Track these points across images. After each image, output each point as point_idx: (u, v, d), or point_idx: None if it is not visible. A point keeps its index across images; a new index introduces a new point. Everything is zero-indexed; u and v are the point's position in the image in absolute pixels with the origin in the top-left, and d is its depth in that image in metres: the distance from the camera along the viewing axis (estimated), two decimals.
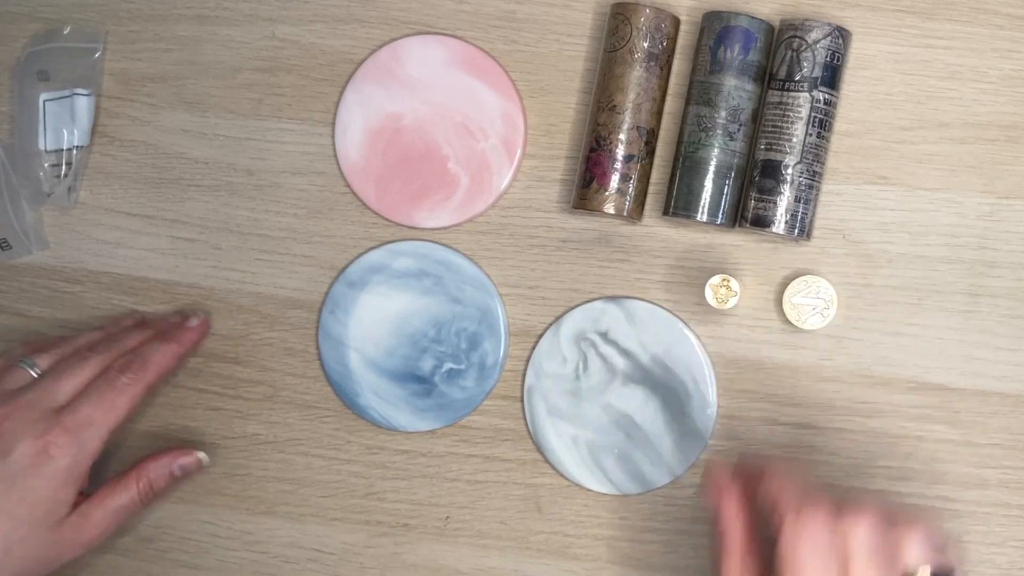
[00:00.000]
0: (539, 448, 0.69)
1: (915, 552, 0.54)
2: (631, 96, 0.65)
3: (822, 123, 0.64)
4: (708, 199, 0.65)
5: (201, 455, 0.69)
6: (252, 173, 0.72)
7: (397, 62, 0.70)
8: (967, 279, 0.66)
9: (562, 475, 0.69)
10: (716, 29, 0.65)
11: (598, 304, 0.69)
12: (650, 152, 0.67)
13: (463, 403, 0.70)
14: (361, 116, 0.70)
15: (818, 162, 0.64)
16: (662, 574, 0.69)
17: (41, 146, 0.72)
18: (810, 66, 0.64)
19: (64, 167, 0.72)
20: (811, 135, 0.64)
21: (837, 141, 0.67)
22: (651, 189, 0.68)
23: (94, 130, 0.73)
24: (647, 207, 0.68)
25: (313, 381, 0.71)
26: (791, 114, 0.64)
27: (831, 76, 0.64)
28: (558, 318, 0.69)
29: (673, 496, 0.69)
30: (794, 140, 0.64)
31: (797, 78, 0.64)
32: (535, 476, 0.70)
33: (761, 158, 0.64)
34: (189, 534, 0.72)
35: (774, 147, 0.64)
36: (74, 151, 0.72)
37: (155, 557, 0.72)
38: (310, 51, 0.71)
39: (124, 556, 0.72)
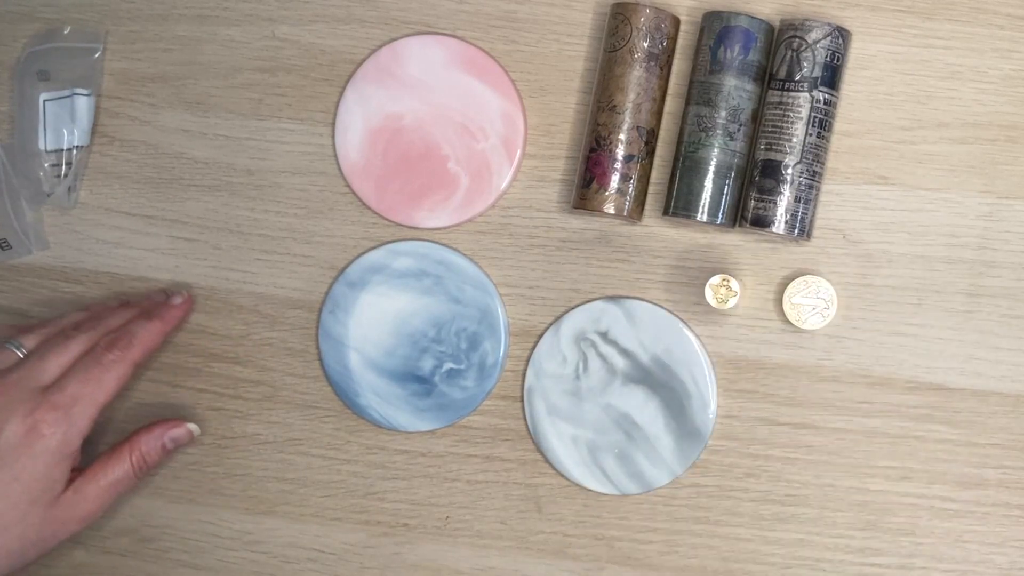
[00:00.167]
0: (539, 448, 0.69)
1: None
2: (631, 96, 0.65)
3: (822, 123, 0.64)
4: (708, 199, 0.65)
5: (192, 426, 0.70)
6: (252, 173, 0.72)
7: (397, 62, 0.70)
8: (967, 279, 0.66)
9: (562, 475, 0.69)
10: (716, 29, 0.65)
11: (598, 304, 0.69)
12: (650, 152, 0.67)
13: (463, 403, 0.70)
14: (361, 116, 0.70)
15: (818, 162, 0.64)
16: (662, 574, 0.69)
17: (41, 146, 0.72)
18: (810, 66, 0.64)
19: (64, 167, 0.72)
20: (811, 135, 0.64)
21: (837, 141, 0.67)
22: (651, 189, 0.68)
23: (94, 130, 0.73)
24: (647, 207, 0.68)
25: (313, 381, 0.71)
26: (791, 114, 0.64)
27: (831, 76, 0.64)
28: (558, 318, 0.69)
29: (673, 496, 0.69)
30: (794, 140, 0.64)
31: (797, 78, 0.64)
32: (535, 476, 0.70)
33: (761, 158, 0.64)
34: (189, 534, 0.72)
35: (774, 147, 0.64)
36: (74, 151, 0.72)
37: (155, 557, 0.72)
38: (310, 51, 0.71)
39: (124, 556, 0.72)
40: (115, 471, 0.66)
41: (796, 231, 0.64)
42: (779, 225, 0.64)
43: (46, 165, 0.72)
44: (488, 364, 0.70)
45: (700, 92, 0.65)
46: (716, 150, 0.64)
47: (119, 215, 0.73)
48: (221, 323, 0.72)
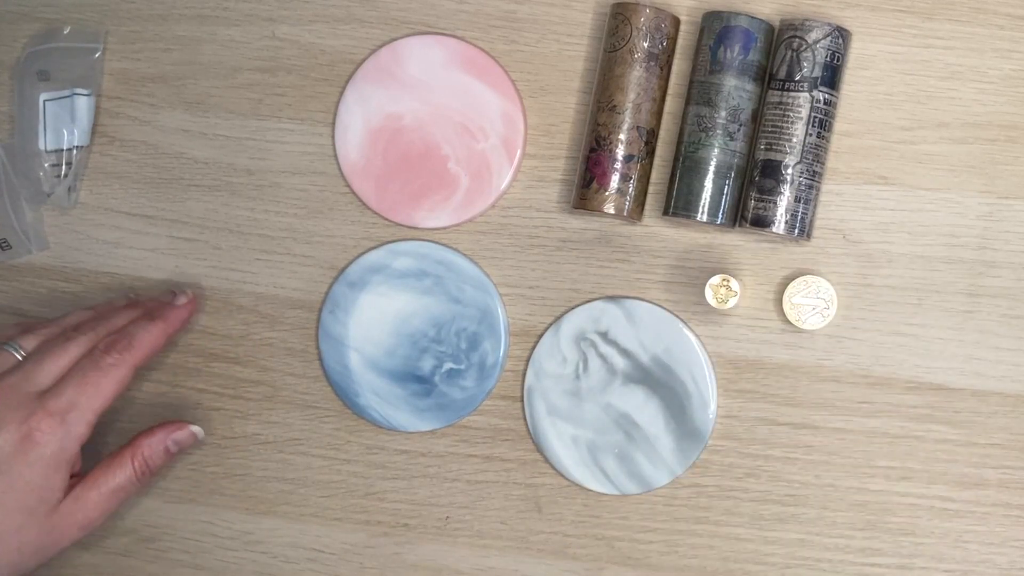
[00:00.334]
0: (539, 448, 0.69)
1: None
2: (631, 96, 0.65)
3: (822, 123, 0.64)
4: (708, 199, 0.65)
5: (195, 428, 0.68)
6: (252, 173, 0.72)
7: (397, 62, 0.70)
8: (967, 279, 0.66)
9: (562, 475, 0.69)
10: (716, 29, 0.65)
11: (598, 304, 0.69)
12: (650, 152, 0.67)
13: (463, 403, 0.70)
14: (361, 116, 0.70)
15: (818, 162, 0.64)
16: (662, 574, 0.69)
17: (41, 146, 0.72)
18: (810, 66, 0.64)
19: (64, 167, 0.72)
20: (811, 135, 0.64)
21: (837, 141, 0.67)
22: (651, 189, 0.68)
23: (94, 130, 0.73)
24: (647, 207, 0.68)
25: (313, 381, 0.71)
26: (791, 114, 0.64)
27: (831, 76, 0.64)
28: (558, 318, 0.69)
29: (673, 496, 0.69)
30: (794, 140, 0.64)
31: (797, 78, 0.64)
32: (535, 476, 0.70)
33: (761, 158, 0.64)
34: (189, 534, 0.72)
35: (774, 147, 0.64)
36: (74, 151, 0.72)
37: (155, 557, 0.72)
38: (310, 51, 0.71)
39: (124, 556, 0.72)
40: (117, 477, 0.65)
41: (796, 231, 0.64)
42: (779, 225, 0.64)
43: (46, 165, 0.72)
44: (488, 364, 0.70)
45: (700, 92, 0.65)
46: (716, 150, 0.64)
47: (119, 215, 0.73)
48: (221, 323, 0.72)
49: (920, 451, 0.67)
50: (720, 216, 0.65)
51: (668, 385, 0.68)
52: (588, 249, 0.69)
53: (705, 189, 0.65)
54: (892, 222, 0.67)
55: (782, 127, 0.64)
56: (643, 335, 0.68)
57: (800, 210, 0.64)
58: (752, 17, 0.64)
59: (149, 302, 0.69)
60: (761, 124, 0.65)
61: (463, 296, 0.70)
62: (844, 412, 0.67)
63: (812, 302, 0.66)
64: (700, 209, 0.65)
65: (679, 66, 0.68)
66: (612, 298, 0.69)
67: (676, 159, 0.66)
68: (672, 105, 0.68)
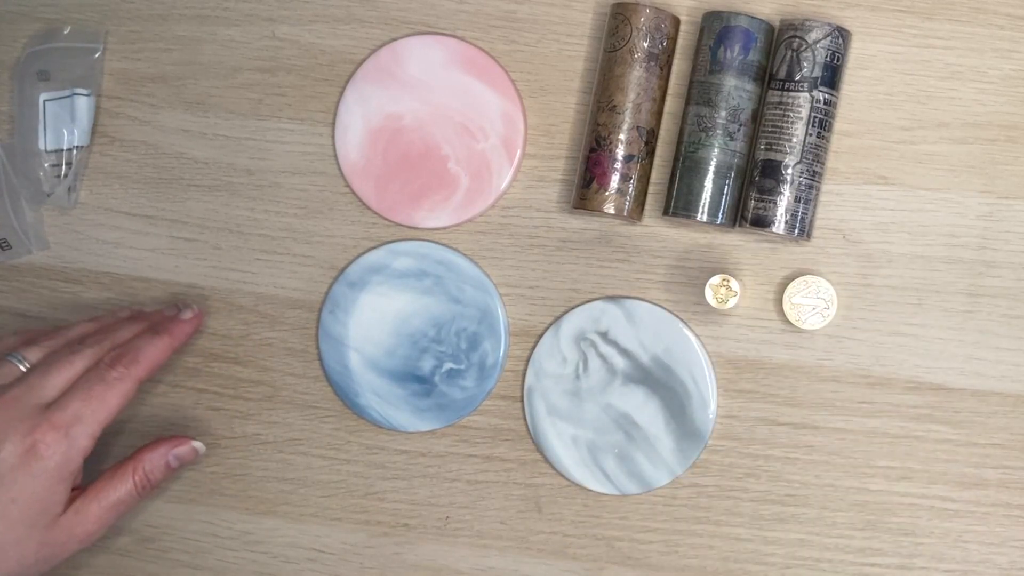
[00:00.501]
0: (539, 448, 0.69)
1: None
2: (631, 96, 0.65)
3: (822, 123, 0.64)
4: (708, 199, 0.65)
5: (196, 443, 0.68)
6: (252, 173, 0.72)
7: (397, 62, 0.70)
8: (967, 279, 0.66)
9: (562, 475, 0.69)
10: (716, 29, 0.65)
11: (598, 304, 0.69)
12: (650, 152, 0.67)
13: (463, 403, 0.70)
14: (361, 116, 0.70)
15: (818, 162, 0.64)
16: (662, 574, 0.69)
17: (41, 146, 0.72)
18: (810, 66, 0.64)
19: (64, 167, 0.72)
20: (811, 135, 0.64)
21: (837, 141, 0.67)
22: (651, 189, 0.68)
23: (94, 130, 0.73)
24: (647, 207, 0.68)
25: (313, 381, 0.71)
26: (791, 114, 0.64)
27: (831, 76, 0.64)
28: (558, 318, 0.69)
29: (673, 496, 0.69)
30: (794, 140, 0.64)
31: (797, 78, 0.64)
32: (535, 476, 0.70)
33: (761, 158, 0.64)
34: (189, 534, 0.72)
35: (774, 147, 0.64)
36: (74, 151, 0.72)
37: (155, 557, 0.72)
38: (310, 51, 0.71)
39: (124, 556, 0.72)
40: (118, 490, 0.64)
41: (796, 231, 0.64)
42: (779, 225, 0.64)
43: (46, 165, 0.72)
44: (488, 364, 0.70)
45: (700, 92, 0.65)
46: (716, 150, 0.64)
47: (119, 215, 0.73)
48: (221, 323, 0.72)
49: (920, 451, 0.67)
50: (720, 216, 0.65)
51: (668, 385, 0.68)
52: (588, 249, 0.69)
53: (705, 189, 0.65)
54: (892, 222, 0.67)
55: (782, 127, 0.64)
56: (643, 335, 0.68)
57: (800, 210, 0.64)
58: (752, 17, 0.64)
59: (154, 315, 0.69)
60: (761, 124, 0.65)
61: (463, 296, 0.70)
62: (844, 412, 0.67)
63: (812, 302, 0.66)
64: (700, 209, 0.65)
65: (679, 66, 0.68)
66: (612, 298, 0.69)
67: (676, 159, 0.66)
68: (672, 105, 0.68)
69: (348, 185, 0.71)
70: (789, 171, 0.64)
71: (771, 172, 0.64)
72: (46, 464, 0.61)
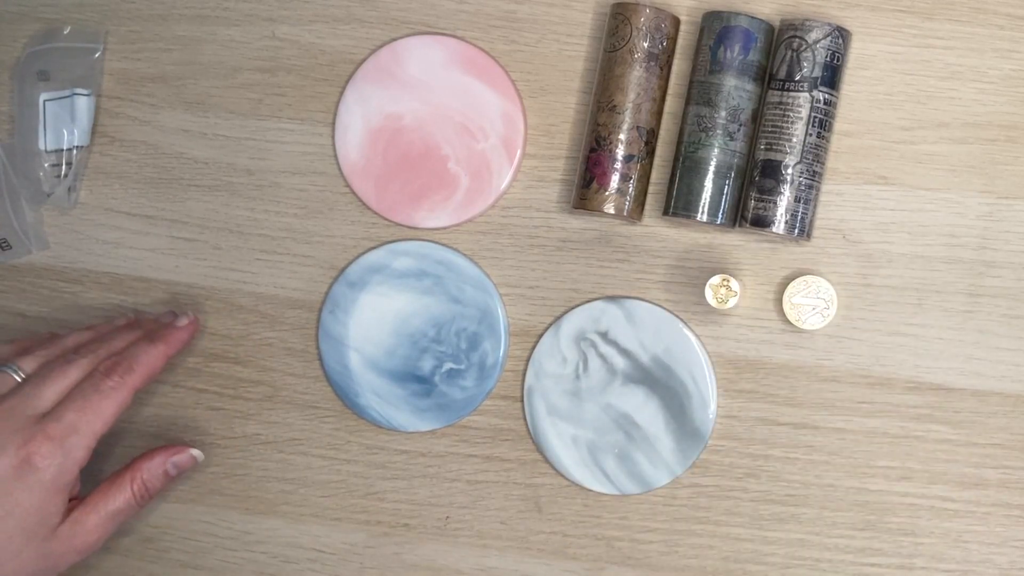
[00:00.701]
0: (539, 448, 0.69)
1: None
2: (631, 96, 0.65)
3: (822, 123, 0.64)
4: (708, 199, 0.65)
5: (195, 452, 0.68)
6: (252, 173, 0.72)
7: (397, 62, 0.70)
8: (967, 279, 0.66)
9: (562, 475, 0.69)
10: (716, 29, 0.65)
11: (598, 304, 0.69)
12: (650, 152, 0.67)
13: (463, 403, 0.70)
14: (361, 116, 0.70)
15: (818, 162, 0.64)
16: (662, 574, 0.69)
17: (41, 146, 0.72)
18: (810, 66, 0.64)
19: (64, 167, 0.72)
20: (811, 135, 0.64)
21: (837, 141, 0.67)
22: (651, 189, 0.68)
23: (94, 130, 0.73)
24: (647, 207, 0.68)
25: (313, 381, 0.71)
26: (791, 114, 0.64)
27: (831, 76, 0.64)
28: (558, 318, 0.69)
29: (673, 496, 0.69)
30: (794, 140, 0.64)
31: (797, 78, 0.64)
32: (535, 476, 0.70)
33: (761, 158, 0.64)
34: (189, 534, 0.72)
35: (774, 147, 0.64)
36: (74, 151, 0.72)
37: (155, 557, 0.72)
38: (310, 51, 0.71)
39: (124, 556, 0.72)
40: (116, 500, 0.64)
41: (796, 231, 0.64)
42: (779, 225, 0.64)
43: (46, 165, 0.72)
44: (488, 364, 0.70)
45: (700, 92, 0.65)
46: (716, 150, 0.64)
47: (119, 215, 0.73)
48: (221, 323, 0.72)
49: (920, 451, 0.67)
50: (720, 216, 0.65)
51: (668, 385, 0.68)
52: (588, 249, 0.69)
53: (705, 189, 0.65)
54: (892, 222, 0.67)
55: (782, 127, 0.64)
56: (643, 335, 0.68)
57: (800, 210, 0.64)
58: (752, 17, 0.64)
59: (149, 323, 0.69)
60: (761, 124, 0.65)
61: (463, 296, 0.70)
62: (844, 412, 0.67)
63: (812, 302, 0.66)
64: (700, 209, 0.65)
65: (679, 66, 0.68)
66: (612, 298, 0.69)
67: (676, 159, 0.66)
68: (672, 105, 0.68)
69: (348, 185, 0.71)
70: (789, 171, 0.64)
71: (771, 172, 0.64)
72: (42, 476, 0.60)
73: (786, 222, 0.64)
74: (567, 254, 0.69)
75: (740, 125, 0.64)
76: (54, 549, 0.62)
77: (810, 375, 0.67)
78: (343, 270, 0.71)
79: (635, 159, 0.66)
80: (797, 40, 0.64)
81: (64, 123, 0.72)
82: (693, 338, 0.68)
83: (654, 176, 0.68)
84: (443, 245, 0.70)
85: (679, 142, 0.66)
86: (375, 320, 0.70)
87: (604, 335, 0.68)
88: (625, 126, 0.65)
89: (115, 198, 0.73)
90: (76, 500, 0.64)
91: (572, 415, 0.69)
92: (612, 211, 0.65)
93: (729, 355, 0.68)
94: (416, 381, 0.70)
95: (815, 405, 0.67)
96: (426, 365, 0.70)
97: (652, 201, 0.68)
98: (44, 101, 0.72)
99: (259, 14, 0.72)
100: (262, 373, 0.72)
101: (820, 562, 0.67)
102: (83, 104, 0.72)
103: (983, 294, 0.66)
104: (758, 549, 0.68)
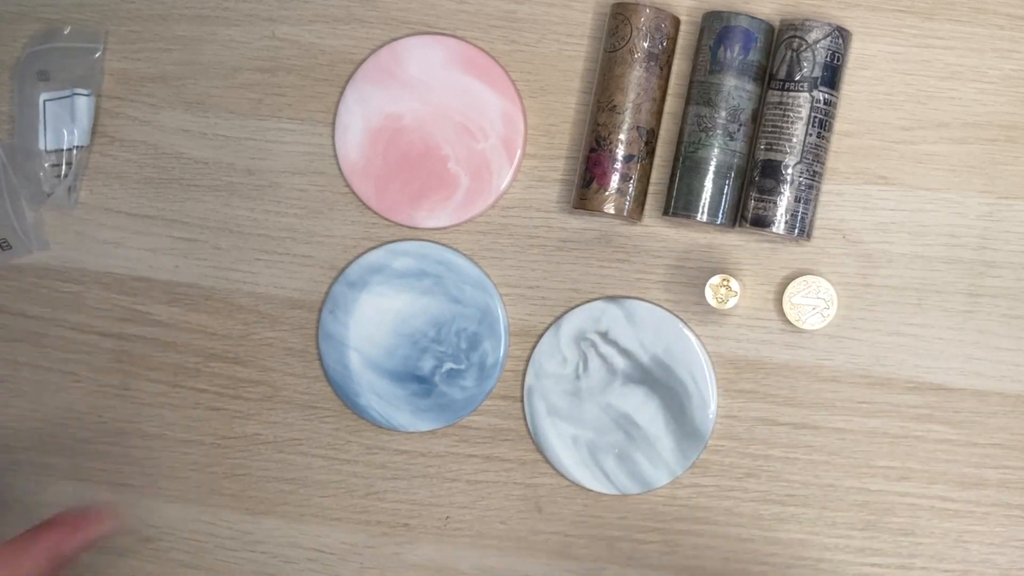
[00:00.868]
0: (539, 448, 0.69)
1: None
2: (631, 96, 0.65)
3: (822, 123, 0.64)
4: (708, 199, 0.65)
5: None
6: (252, 173, 0.72)
7: (397, 62, 0.70)
8: (967, 279, 0.66)
9: (562, 475, 0.69)
10: (716, 29, 0.65)
11: (598, 304, 0.69)
12: (650, 152, 0.67)
13: (463, 403, 0.70)
14: (361, 116, 0.70)
15: (818, 162, 0.64)
16: (662, 574, 0.69)
17: (41, 146, 0.72)
18: (810, 66, 0.64)
19: (64, 167, 0.72)
20: (811, 135, 0.64)
21: (837, 141, 0.67)
22: (651, 189, 0.68)
23: (94, 130, 0.73)
24: (647, 207, 0.68)
25: (313, 381, 0.71)
26: (791, 114, 0.64)
27: (831, 76, 0.64)
28: (558, 318, 0.69)
29: (673, 496, 0.69)
30: (794, 140, 0.64)
31: (797, 78, 0.64)
32: (535, 476, 0.70)
33: (761, 158, 0.64)
34: (189, 534, 0.72)
35: (774, 147, 0.64)
36: (74, 151, 0.72)
37: (155, 557, 0.72)
38: (310, 51, 0.71)
39: (124, 556, 0.72)
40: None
41: (796, 231, 0.64)
42: (779, 225, 0.64)
43: (46, 165, 0.72)
44: (488, 364, 0.70)
45: (700, 92, 0.65)
46: (716, 150, 0.64)
47: (119, 215, 0.73)
48: (221, 323, 0.72)
49: (920, 451, 0.67)
50: (720, 216, 0.65)
51: (668, 385, 0.68)
52: (588, 249, 0.69)
53: (705, 189, 0.65)
54: (892, 222, 0.67)
55: (782, 127, 0.64)
56: (643, 335, 0.68)
57: (800, 210, 0.64)
58: (752, 17, 0.64)
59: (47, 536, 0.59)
60: (761, 124, 0.65)
61: (463, 296, 0.70)
62: (844, 412, 0.67)
63: (812, 302, 0.66)
64: (700, 209, 0.65)
65: (679, 66, 0.68)
66: (612, 298, 0.69)
67: (676, 159, 0.66)
68: (672, 105, 0.68)
69: (348, 185, 0.71)
70: (789, 171, 0.64)
71: (771, 172, 0.64)
72: None
73: (786, 222, 0.64)
74: (567, 254, 0.69)
75: (740, 125, 0.65)
76: None
77: (810, 375, 0.67)
78: (343, 270, 0.71)
79: (635, 159, 0.66)
80: (797, 40, 0.64)
81: (64, 123, 0.72)
82: (693, 338, 0.68)
83: (654, 176, 0.68)
84: (443, 245, 0.70)
85: (679, 142, 0.66)
86: (375, 320, 0.70)
87: (604, 335, 0.68)
88: (625, 126, 0.65)
89: (115, 198, 0.73)
90: None
91: (572, 415, 0.69)
92: (612, 211, 0.65)
93: (729, 355, 0.68)
94: (416, 381, 0.70)
95: (815, 405, 0.67)
96: (426, 365, 0.70)
97: (652, 201, 0.68)
98: (44, 101, 0.72)
99: (259, 14, 0.72)
100: (262, 373, 0.72)
101: (820, 562, 0.67)
102: (83, 104, 0.72)
103: (983, 294, 0.66)
104: (758, 549, 0.68)
